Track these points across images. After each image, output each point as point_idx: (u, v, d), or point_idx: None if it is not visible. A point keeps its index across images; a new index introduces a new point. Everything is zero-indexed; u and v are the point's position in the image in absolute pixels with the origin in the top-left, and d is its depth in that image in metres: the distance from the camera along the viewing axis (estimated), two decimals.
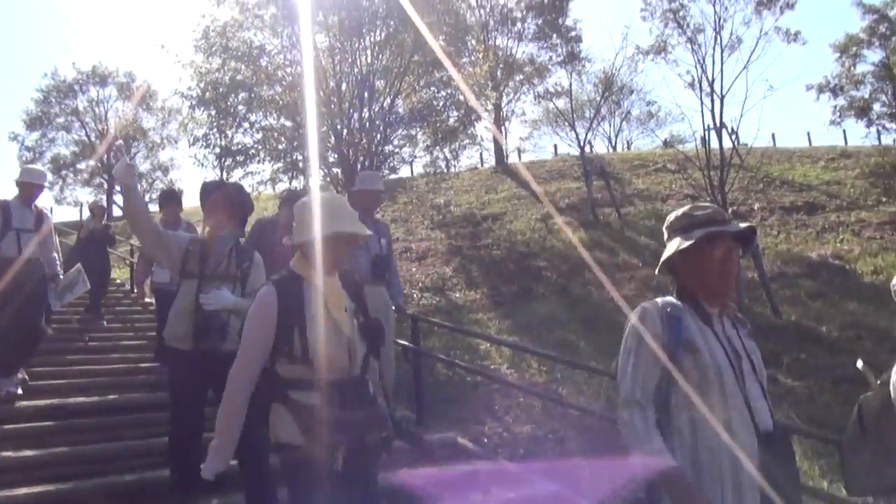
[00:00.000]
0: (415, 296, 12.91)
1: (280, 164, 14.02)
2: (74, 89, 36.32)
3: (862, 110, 22.03)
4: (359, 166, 13.16)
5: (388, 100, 13.71)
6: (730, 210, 14.63)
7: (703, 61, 16.16)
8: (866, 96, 22.48)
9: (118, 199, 35.94)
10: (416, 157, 15.95)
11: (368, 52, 13.40)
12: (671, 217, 2.41)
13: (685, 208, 2.39)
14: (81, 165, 36.91)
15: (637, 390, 2.17)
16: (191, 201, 20.69)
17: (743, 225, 2.33)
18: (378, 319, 2.80)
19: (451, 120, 14.71)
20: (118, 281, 12.60)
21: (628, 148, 38.64)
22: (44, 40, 69.52)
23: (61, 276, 7.00)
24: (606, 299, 12.67)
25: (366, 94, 13.34)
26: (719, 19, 16.47)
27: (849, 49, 23.82)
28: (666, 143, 25.81)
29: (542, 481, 5.28)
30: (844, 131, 30.09)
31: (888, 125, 22.86)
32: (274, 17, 13.16)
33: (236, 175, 14.29)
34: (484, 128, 19.12)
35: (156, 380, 6.82)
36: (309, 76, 11.92)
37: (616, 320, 11.64)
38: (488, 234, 17.51)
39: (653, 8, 18.13)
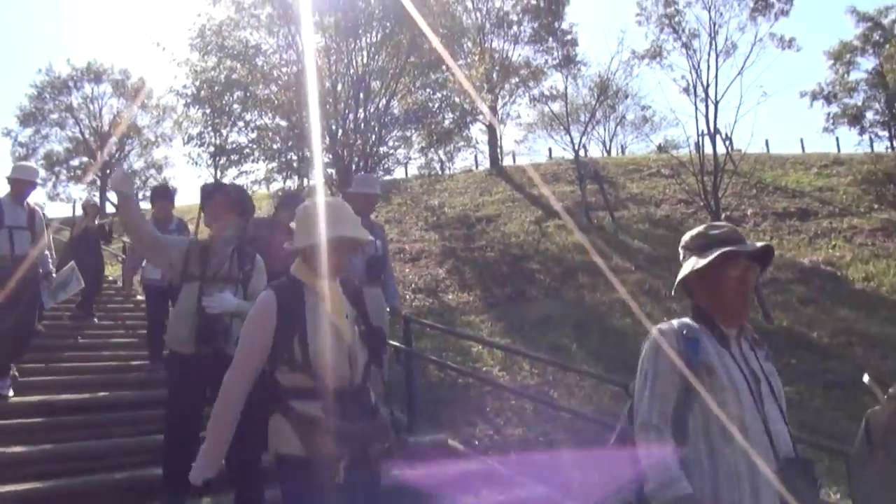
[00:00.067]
0: (408, 297, 12.90)
1: (275, 164, 14.02)
2: (69, 86, 36.14)
3: (855, 118, 22.17)
4: (353, 167, 13.16)
5: (384, 101, 13.71)
6: (723, 216, 14.69)
7: (698, 67, 16.26)
8: (859, 104, 22.64)
9: (112, 196, 35.85)
10: (410, 158, 15.98)
11: (364, 52, 13.40)
12: (687, 237, 2.38)
13: (701, 228, 2.36)
14: (75, 162, 36.80)
15: (654, 414, 2.13)
16: (184, 199, 20.66)
17: (759, 244, 2.29)
18: (380, 327, 2.75)
19: (447, 122, 14.72)
20: (110, 278, 12.55)
21: (623, 152, 38.69)
22: (39, 36, 69.30)
23: (54, 275, 6.95)
24: (599, 303, 12.69)
25: (361, 95, 13.34)
26: (714, 25, 16.58)
27: (843, 56, 23.98)
28: (660, 148, 25.88)
29: (532, 484, 5.29)
30: (837, 138, 30.18)
31: (881, 133, 23.02)
32: (270, 16, 13.16)
33: (231, 174, 14.27)
34: (479, 129, 19.18)
35: (146, 377, 6.80)
36: (311, 76, 11.91)
37: (609, 324, 11.67)
38: (482, 237, 17.52)
39: (648, 13, 18.23)
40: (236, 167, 14.08)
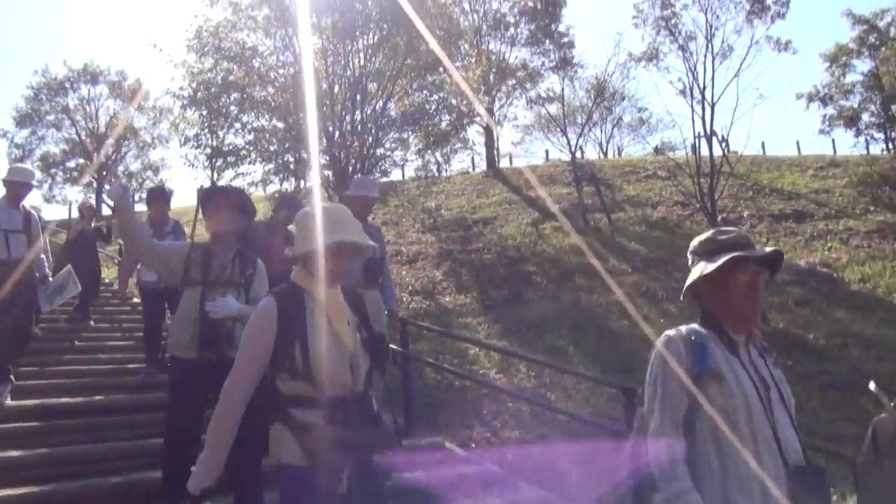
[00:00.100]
0: (404, 299, 12.89)
1: (271, 166, 14.03)
2: (65, 87, 36.10)
3: (851, 120, 22.24)
4: (350, 169, 13.17)
5: (381, 103, 13.73)
6: (719, 217, 14.72)
7: (695, 69, 16.34)
8: (855, 106, 22.70)
9: (107, 198, 35.74)
10: (407, 160, 16.04)
11: (361, 54, 13.42)
12: (695, 242, 2.36)
13: (709, 233, 2.34)
14: (71, 164, 36.74)
15: (665, 423, 2.12)
16: (181, 201, 20.64)
17: (769, 249, 2.27)
18: (382, 334, 2.72)
19: (443, 124, 14.74)
20: (107, 280, 12.53)
21: (619, 154, 38.73)
22: (35, 37, 69.20)
23: (50, 278, 6.92)
24: (596, 304, 12.69)
25: (358, 97, 13.35)
26: (711, 27, 16.66)
27: (838, 59, 24.06)
28: (657, 150, 25.94)
29: (529, 486, 5.29)
30: (833, 140, 30.33)
31: (876, 135, 23.09)
32: (267, 18, 13.17)
33: (227, 176, 14.29)
34: (476, 131, 19.19)
35: (143, 381, 6.78)
36: (308, 77, 11.92)
37: (606, 326, 11.68)
38: (479, 239, 17.51)
39: (645, 15, 18.29)
40: (233, 169, 14.12)
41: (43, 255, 6.61)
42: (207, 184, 17.84)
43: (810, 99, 23.77)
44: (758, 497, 2.02)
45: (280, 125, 13.84)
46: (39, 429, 5.43)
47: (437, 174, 16.80)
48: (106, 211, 30.94)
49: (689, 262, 2.35)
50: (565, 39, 26.89)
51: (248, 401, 2.47)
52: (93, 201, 12.72)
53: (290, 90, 13.01)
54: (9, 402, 5.85)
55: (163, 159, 38.75)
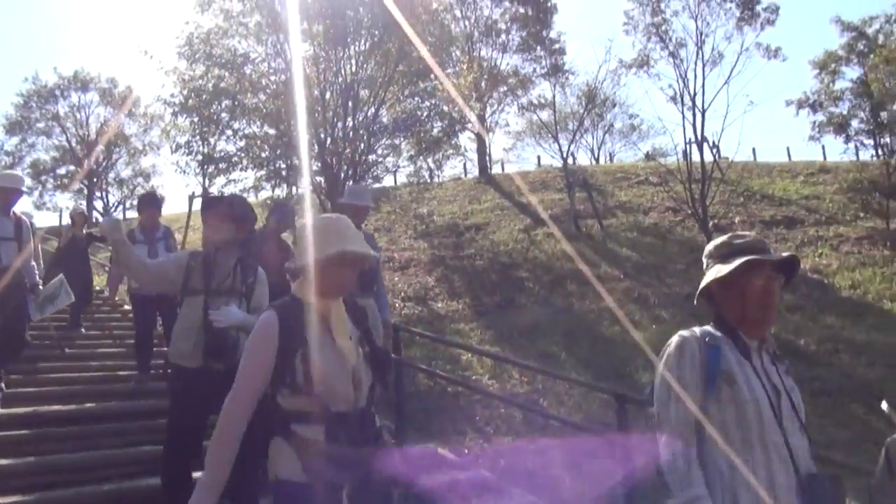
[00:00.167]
0: (397, 305, 12.89)
1: (263, 172, 13.99)
2: (56, 94, 35.96)
3: (840, 126, 22.37)
4: (342, 175, 13.17)
5: (373, 109, 13.73)
6: (710, 223, 14.77)
7: (685, 76, 16.43)
8: (845, 112, 22.84)
9: (98, 205, 35.65)
10: (399, 166, 16.01)
11: (353, 61, 13.42)
12: (710, 245, 2.35)
13: (725, 236, 2.34)
14: (61, 171, 36.60)
15: (680, 426, 2.10)
16: (172, 208, 20.58)
17: (785, 254, 2.26)
18: (386, 350, 2.70)
19: (435, 130, 14.76)
20: (97, 288, 12.49)
21: (611, 160, 38.90)
22: (25, 45, 68.99)
23: (41, 287, 6.87)
24: (588, 310, 12.72)
25: (350, 104, 13.35)
26: (701, 34, 16.75)
27: (828, 66, 24.21)
28: (648, 156, 26.05)
29: (522, 492, 5.29)
30: (823, 147, 30.50)
31: (866, 141, 23.22)
32: (258, 24, 13.16)
33: (219, 183, 14.25)
34: (468, 138, 19.21)
35: (134, 388, 6.75)
36: (299, 84, 11.91)
37: (598, 332, 11.70)
38: (471, 245, 17.53)
39: (635, 22, 18.38)
40: (224, 176, 14.07)
41: (33, 263, 6.56)
42: (199, 191, 17.82)
43: (800, 105, 23.91)
44: (766, 502, 2.00)
45: (272, 132, 13.82)
46: (30, 437, 5.39)
47: (429, 180, 16.77)
48: (97, 217, 30.90)
49: (704, 266, 2.34)
50: (556, 46, 27.03)
51: (249, 418, 2.40)
52: (84, 208, 12.67)
53: (281, 97, 13.00)
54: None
55: (154, 166, 38.60)
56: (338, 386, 2.39)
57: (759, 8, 17.34)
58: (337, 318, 2.48)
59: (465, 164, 25.87)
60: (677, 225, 17.89)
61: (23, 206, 6.87)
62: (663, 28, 17.61)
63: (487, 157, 27.45)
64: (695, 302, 2.39)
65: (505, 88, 27.37)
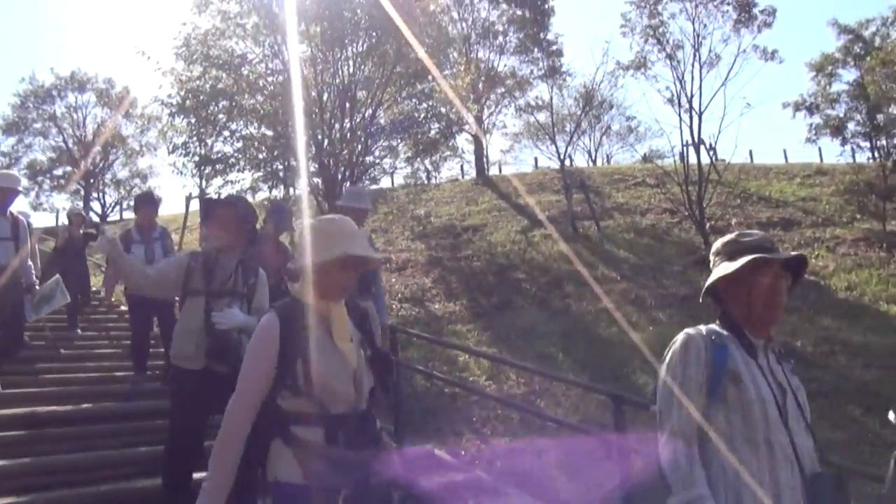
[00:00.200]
0: (394, 306, 12.88)
1: (260, 174, 13.98)
2: (52, 95, 35.98)
3: (837, 129, 22.38)
4: (339, 177, 13.17)
5: (370, 111, 13.74)
6: (707, 225, 14.79)
7: (682, 78, 16.44)
8: (841, 115, 22.85)
9: (95, 205, 35.60)
10: (396, 168, 16.02)
11: (350, 62, 13.43)
12: (718, 243, 2.35)
13: (733, 234, 2.33)
14: (58, 171, 36.57)
15: (683, 424, 2.08)
16: (169, 209, 20.55)
17: (793, 253, 2.25)
18: (387, 352, 2.66)
19: (433, 132, 14.76)
20: (94, 289, 12.47)
21: (608, 162, 38.94)
22: (22, 45, 68.90)
23: (37, 287, 6.86)
24: (585, 312, 12.72)
25: (347, 105, 13.36)
26: (698, 37, 16.77)
27: (824, 68, 24.24)
28: (645, 158, 26.10)
29: (519, 494, 5.29)
30: (820, 149, 30.63)
31: (862, 143, 23.25)
32: (256, 26, 13.15)
33: (216, 184, 14.22)
34: (465, 139, 19.24)
35: (130, 389, 6.74)
36: (297, 85, 11.91)
37: (595, 333, 11.70)
38: (468, 246, 17.53)
39: (633, 24, 18.38)
40: (221, 177, 14.04)
41: (30, 263, 6.55)
42: (196, 192, 17.80)
43: (797, 108, 23.91)
44: (770, 500, 1.99)
45: (269, 133, 13.81)
46: (26, 438, 5.38)
47: (426, 182, 16.80)
48: (94, 218, 30.85)
49: (711, 263, 2.33)
50: (554, 48, 27.02)
51: (253, 421, 2.39)
52: (81, 208, 12.65)
53: (279, 98, 13.00)
54: None
55: (151, 167, 38.62)
56: (338, 388, 2.38)
57: (756, 10, 17.38)
58: (338, 320, 2.46)
59: (462, 166, 25.92)
60: (674, 226, 17.90)
61: (19, 206, 6.86)
62: (660, 30, 17.63)
63: (485, 159, 27.48)
64: (701, 300, 2.38)
65: (502, 90, 27.43)
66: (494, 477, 5.77)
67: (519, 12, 26.56)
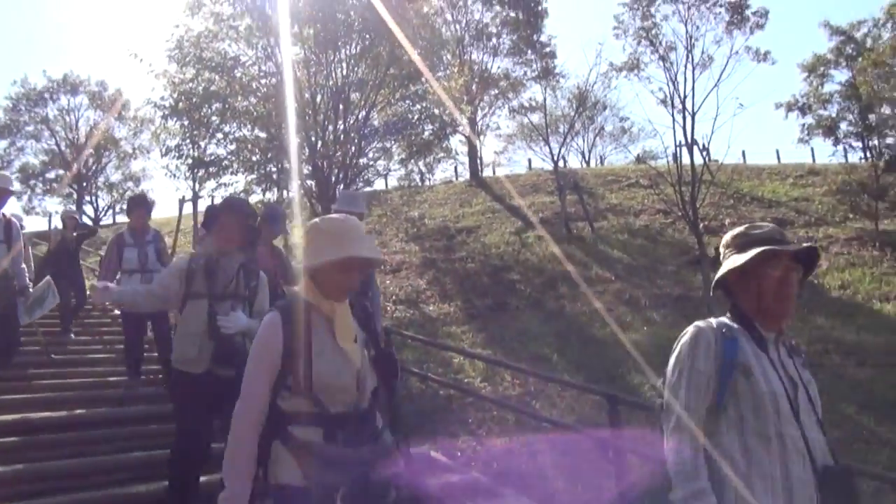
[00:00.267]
0: (389, 308, 12.87)
1: (254, 176, 13.96)
2: (45, 97, 35.87)
3: (829, 129, 22.45)
4: (333, 179, 13.15)
5: (363, 112, 13.73)
6: (701, 225, 14.81)
7: (675, 79, 16.40)
8: (833, 115, 22.92)
9: (88, 209, 35.49)
10: (390, 169, 16.03)
11: (344, 64, 13.42)
12: (727, 236, 2.32)
13: (742, 227, 2.30)
14: (51, 175, 36.43)
15: (689, 416, 2.06)
16: (162, 212, 20.50)
17: (805, 244, 2.22)
18: (392, 352, 2.64)
19: (426, 133, 14.76)
20: (87, 293, 12.42)
21: (601, 163, 39.05)
22: (14, 47, 68.66)
23: (31, 290, 6.82)
24: (580, 313, 12.73)
25: (341, 107, 13.35)
26: (691, 38, 16.74)
27: (816, 69, 24.32)
28: (639, 159, 26.10)
29: (515, 495, 5.28)
30: (812, 149, 30.64)
31: (854, 144, 23.32)
32: (249, 28, 13.14)
33: (209, 186, 14.19)
34: (459, 141, 19.24)
35: (124, 394, 6.71)
36: (289, 87, 11.89)
37: (590, 334, 11.71)
38: (462, 248, 17.53)
39: (625, 26, 18.34)
40: (215, 179, 14.02)
41: (23, 265, 6.50)
42: (189, 195, 17.73)
43: (789, 108, 23.97)
44: (781, 497, 1.99)
45: (262, 135, 13.80)
46: (19, 444, 5.34)
47: (420, 183, 16.82)
48: (87, 221, 30.74)
49: (721, 257, 2.30)
50: (547, 50, 27.05)
51: (262, 422, 2.35)
52: (74, 210, 12.64)
53: (272, 100, 12.98)
54: None
55: (144, 170, 38.56)
56: (339, 387, 2.36)
57: (748, 12, 17.39)
58: (341, 320, 2.45)
59: (456, 168, 25.95)
60: (668, 227, 17.94)
61: (12, 209, 6.81)
62: (653, 32, 17.60)
63: (479, 161, 27.49)
64: (711, 293, 2.37)
65: (496, 91, 27.42)
66: (491, 478, 5.76)
67: (512, 14, 26.58)
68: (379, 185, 19.29)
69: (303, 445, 2.31)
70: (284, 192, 14.95)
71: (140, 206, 7.36)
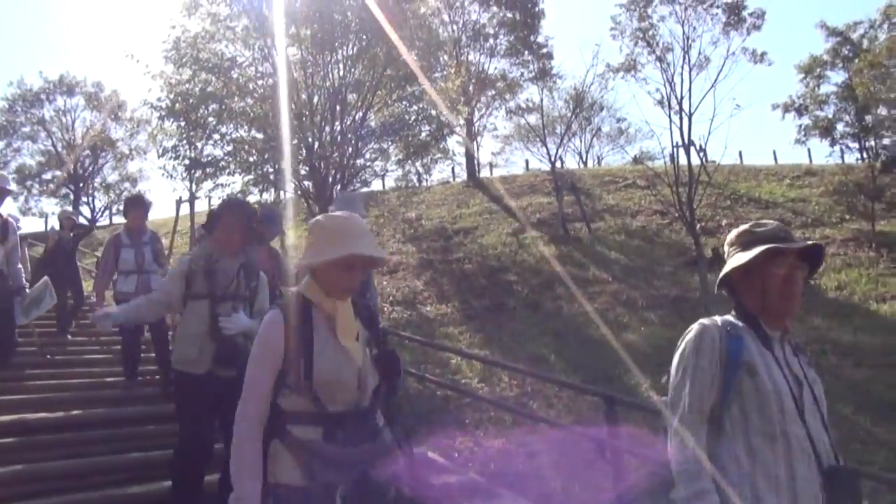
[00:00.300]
0: (386, 309, 12.87)
1: (251, 177, 13.94)
2: (41, 98, 35.78)
3: (826, 130, 22.50)
4: (330, 179, 13.15)
5: (360, 113, 13.73)
6: (697, 226, 14.84)
7: (672, 80, 16.45)
8: (830, 116, 22.98)
9: (84, 210, 35.43)
10: (387, 170, 16.01)
11: (341, 65, 13.42)
12: (732, 234, 2.31)
13: (747, 225, 2.29)
14: (47, 176, 36.36)
15: (693, 414, 2.05)
16: (159, 213, 20.44)
17: (809, 242, 2.21)
18: (394, 351, 2.61)
19: (423, 134, 14.76)
20: (85, 294, 12.38)
21: (599, 164, 39.06)
22: (10, 48, 68.55)
23: (27, 290, 6.80)
24: (577, 313, 12.74)
25: (338, 108, 13.34)
26: (687, 39, 16.80)
27: (813, 70, 24.38)
28: (636, 160, 26.12)
29: (512, 496, 5.28)
30: (809, 150, 30.78)
31: (851, 144, 23.39)
32: (246, 29, 13.13)
33: (206, 187, 14.17)
34: (456, 142, 19.24)
35: (121, 395, 6.70)
36: (283, 88, 11.89)
37: (587, 334, 11.71)
38: (459, 248, 17.54)
39: (623, 27, 18.40)
40: (212, 180, 14.01)
41: (20, 266, 6.48)
42: (186, 195, 17.72)
43: (786, 109, 24.02)
44: (786, 497, 1.98)
45: (259, 136, 13.78)
46: (16, 445, 5.32)
47: (417, 184, 16.78)
48: (84, 222, 30.64)
49: (725, 255, 2.30)
50: (544, 51, 27.09)
51: (265, 420, 2.34)
52: (71, 211, 12.60)
53: (268, 101, 12.97)
54: None
55: (140, 170, 38.49)
56: (340, 386, 2.35)
57: (745, 13, 17.44)
58: (343, 319, 2.43)
59: (453, 168, 25.95)
60: (665, 228, 17.96)
61: (10, 209, 6.79)
62: (650, 33, 17.65)
63: (476, 161, 27.51)
64: (715, 291, 2.36)
65: (493, 92, 27.46)
66: (488, 479, 5.76)
67: (509, 15, 26.62)
68: (376, 185, 19.31)
69: (302, 444, 2.29)
70: (281, 193, 14.96)
71: (137, 206, 7.33)
